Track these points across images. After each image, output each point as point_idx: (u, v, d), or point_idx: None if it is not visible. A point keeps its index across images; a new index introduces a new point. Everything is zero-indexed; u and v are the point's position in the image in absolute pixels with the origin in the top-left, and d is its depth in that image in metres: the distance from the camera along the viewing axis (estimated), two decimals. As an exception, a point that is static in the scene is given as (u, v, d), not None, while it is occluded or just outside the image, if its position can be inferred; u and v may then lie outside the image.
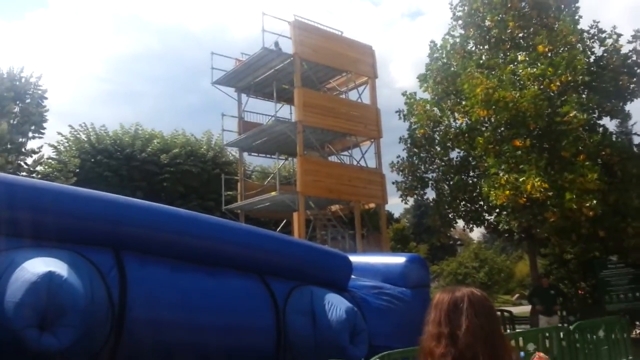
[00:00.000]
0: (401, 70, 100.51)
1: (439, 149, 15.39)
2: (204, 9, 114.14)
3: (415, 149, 15.71)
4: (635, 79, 13.69)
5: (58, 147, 20.22)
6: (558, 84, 12.56)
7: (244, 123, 17.82)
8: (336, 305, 5.99)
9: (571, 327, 7.93)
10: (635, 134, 14.60)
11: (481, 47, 15.16)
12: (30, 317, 3.74)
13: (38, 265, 4.00)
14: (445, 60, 15.37)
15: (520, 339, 7.09)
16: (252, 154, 18.89)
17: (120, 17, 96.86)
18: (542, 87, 12.75)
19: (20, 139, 15.58)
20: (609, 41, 13.93)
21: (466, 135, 14.41)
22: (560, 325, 10.11)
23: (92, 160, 19.85)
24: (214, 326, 5.26)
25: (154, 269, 5.08)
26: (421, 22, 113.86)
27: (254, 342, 5.57)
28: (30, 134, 15.96)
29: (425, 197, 16.35)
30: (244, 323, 5.55)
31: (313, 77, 16.63)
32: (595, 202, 11.27)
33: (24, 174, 15.14)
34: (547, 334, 7.58)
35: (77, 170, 18.24)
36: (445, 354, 1.35)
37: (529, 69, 12.87)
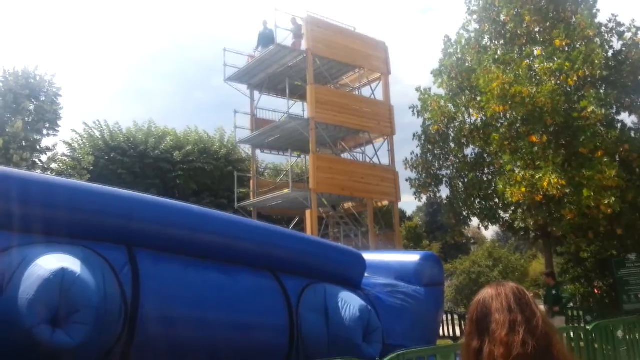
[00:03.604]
0: (413, 66, 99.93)
1: (453, 145, 15.22)
2: (216, 6, 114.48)
3: (429, 146, 15.57)
4: (654, 74, 13.42)
5: (72, 144, 20.35)
6: (575, 78, 12.34)
7: (256, 120, 17.78)
8: (350, 303, 5.91)
9: (589, 327, 7.78)
10: (655, 130, 14.30)
11: (496, 42, 14.95)
12: (42, 314, 3.71)
13: (51, 262, 3.97)
14: (459, 56, 15.18)
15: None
16: (265, 151, 18.84)
17: (132, 17, 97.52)
18: (559, 82, 12.53)
19: (35, 137, 15.70)
20: (628, 35, 13.66)
21: (481, 131, 14.23)
22: (576, 325, 9.92)
23: (106, 157, 19.95)
24: (227, 323, 5.21)
25: (167, 265, 5.05)
26: (432, 16, 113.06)
27: (267, 339, 5.52)
28: (45, 132, 16.08)
29: (438, 195, 16.22)
30: (257, 320, 5.50)
31: (326, 73, 16.52)
32: (613, 199, 11.05)
33: (39, 171, 15.24)
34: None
35: (91, 167, 18.32)
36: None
37: (545, 63, 12.66)
